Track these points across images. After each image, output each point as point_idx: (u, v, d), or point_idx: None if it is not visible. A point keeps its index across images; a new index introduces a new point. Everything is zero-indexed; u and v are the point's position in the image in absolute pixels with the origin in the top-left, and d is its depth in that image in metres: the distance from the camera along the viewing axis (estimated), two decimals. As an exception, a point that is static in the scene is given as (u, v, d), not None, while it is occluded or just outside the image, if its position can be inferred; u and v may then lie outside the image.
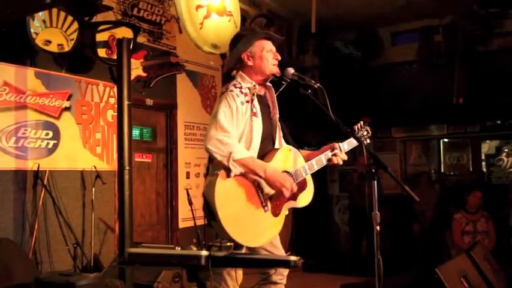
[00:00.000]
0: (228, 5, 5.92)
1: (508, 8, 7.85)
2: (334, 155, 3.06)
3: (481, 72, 7.90)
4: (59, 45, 4.82)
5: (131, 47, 4.71)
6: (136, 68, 5.78)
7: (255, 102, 2.95)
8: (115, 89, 5.38)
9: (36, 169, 4.79)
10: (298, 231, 7.99)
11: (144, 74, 5.95)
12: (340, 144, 3.13)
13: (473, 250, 5.15)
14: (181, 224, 6.48)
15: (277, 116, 3.12)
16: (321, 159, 3.04)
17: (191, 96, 6.84)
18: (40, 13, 4.65)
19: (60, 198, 5.05)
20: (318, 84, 2.95)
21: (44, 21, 4.72)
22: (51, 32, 4.76)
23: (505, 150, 8.53)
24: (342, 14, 8.22)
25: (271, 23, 7.77)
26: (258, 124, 2.92)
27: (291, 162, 3.01)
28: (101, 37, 5.21)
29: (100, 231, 5.45)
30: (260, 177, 2.79)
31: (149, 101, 6.17)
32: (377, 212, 2.61)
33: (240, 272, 2.95)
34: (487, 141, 8.72)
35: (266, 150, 2.97)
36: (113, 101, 5.59)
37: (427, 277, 4.61)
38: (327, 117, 2.89)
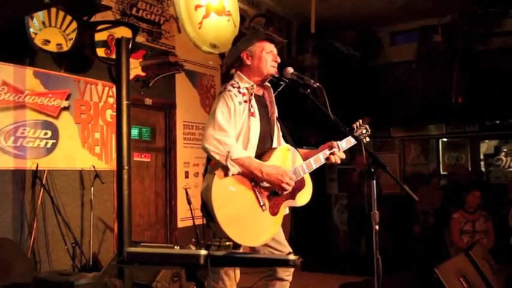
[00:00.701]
0: (227, 4, 5.91)
1: (507, 7, 7.85)
2: (332, 153, 3.05)
3: (480, 71, 7.90)
4: (57, 44, 4.81)
5: (130, 46, 4.71)
6: (135, 68, 5.78)
7: (253, 102, 2.95)
8: (114, 89, 5.38)
9: (35, 169, 4.79)
10: (297, 231, 7.99)
11: (143, 74, 5.94)
12: (338, 142, 3.12)
13: (472, 250, 5.14)
14: (180, 224, 6.48)
15: (276, 115, 3.12)
16: (319, 158, 3.03)
17: (190, 95, 6.84)
18: (39, 13, 4.65)
19: (59, 198, 5.04)
20: (317, 84, 2.94)
21: (42, 21, 4.72)
22: (50, 32, 4.76)
23: (504, 149, 8.54)
24: (341, 14, 8.23)
25: (270, 23, 7.77)
26: (255, 124, 2.92)
27: (289, 161, 3.00)
28: (99, 37, 5.21)
29: (99, 230, 5.44)
30: (257, 177, 2.79)
31: (148, 101, 6.17)
32: (376, 212, 2.60)
33: (237, 272, 2.95)
34: (486, 141, 8.73)
35: (264, 150, 2.97)
36: (111, 100, 5.59)
37: (426, 277, 4.60)
38: (326, 116, 2.89)
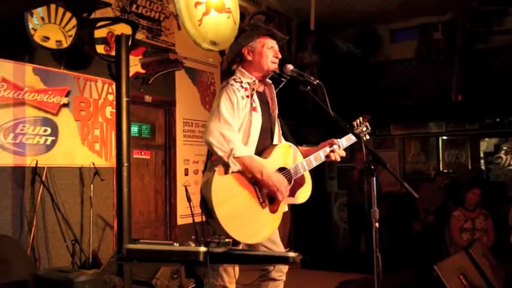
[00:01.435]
0: (227, 1, 5.89)
1: (508, 5, 7.83)
2: (332, 151, 3.05)
3: (480, 69, 7.90)
4: (57, 41, 4.80)
5: (130, 43, 4.70)
6: (135, 65, 5.77)
7: (255, 97, 2.95)
8: (113, 86, 5.37)
9: (34, 165, 4.78)
10: (297, 228, 8.00)
11: (142, 71, 5.94)
12: (338, 140, 3.12)
13: (471, 247, 5.15)
14: (180, 221, 6.48)
15: (277, 112, 3.12)
16: (319, 156, 3.04)
17: (190, 93, 6.83)
18: (38, 9, 4.64)
19: (58, 195, 5.04)
20: (317, 81, 2.94)
21: (42, 18, 4.71)
22: (50, 28, 4.75)
23: (504, 148, 8.54)
24: (341, 11, 8.22)
25: (270, 20, 7.75)
26: (257, 119, 2.92)
27: (290, 158, 3.01)
28: (99, 33, 5.20)
29: (98, 227, 5.44)
30: (256, 178, 2.78)
31: (148, 98, 6.16)
32: (376, 209, 2.60)
33: (236, 269, 2.94)
34: (486, 139, 8.73)
35: (265, 146, 2.97)
36: (111, 97, 5.58)
37: (425, 274, 4.61)
38: (326, 114, 2.89)
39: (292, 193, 2.97)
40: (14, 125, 4.74)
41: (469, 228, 6.36)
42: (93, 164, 5.24)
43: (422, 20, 8.56)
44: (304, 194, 3.04)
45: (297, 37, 8.92)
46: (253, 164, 2.76)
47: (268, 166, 2.84)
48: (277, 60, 3.01)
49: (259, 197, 2.82)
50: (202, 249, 2.06)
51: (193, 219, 5.13)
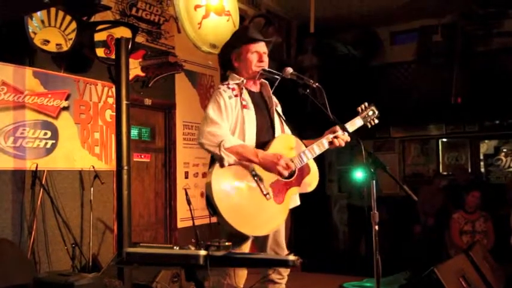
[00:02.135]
0: (226, 4, 5.91)
1: (507, 7, 7.84)
2: (336, 137, 3.05)
3: (480, 72, 7.89)
4: (57, 44, 4.81)
5: (130, 46, 4.71)
6: (135, 68, 5.77)
7: (245, 96, 2.99)
8: (113, 89, 5.37)
9: (34, 169, 4.78)
10: (297, 231, 7.99)
11: (142, 74, 5.94)
12: (341, 125, 3.10)
13: (471, 250, 5.15)
14: (180, 224, 6.48)
15: (277, 109, 3.14)
16: (322, 143, 3.03)
17: (190, 96, 6.84)
18: (38, 13, 4.64)
19: (58, 198, 5.04)
20: (317, 84, 2.95)
21: (42, 21, 4.72)
22: (50, 32, 4.76)
23: (504, 150, 8.53)
24: (340, 14, 8.22)
25: (269, 23, 7.76)
26: (250, 116, 2.95)
27: (291, 148, 3.01)
28: (99, 37, 5.20)
29: (98, 231, 5.44)
30: (253, 162, 2.81)
31: (148, 101, 6.17)
32: (376, 212, 2.60)
33: (244, 271, 2.96)
34: (486, 141, 8.72)
35: (265, 142, 2.98)
36: (111, 100, 5.58)
37: (425, 277, 4.61)
38: (326, 116, 2.90)
39: (298, 183, 2.97)
40: (14, 129, 4.74)
41: (469, 230, 6.35)
42: (93, 167, 5.24)
43: (422, 22, 8.57)
44: (310, 182, 3.04)
45: (296, 40, 8.93)
46: (247, 150, 2.82)
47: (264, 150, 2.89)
48: (262, 63, 3.03)
49: (262, 188, 2.83)
50: (202, 252, 2.06)
51: (193, 222, 5.13)
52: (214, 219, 2.86)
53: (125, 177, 4.37)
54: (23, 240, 4.72)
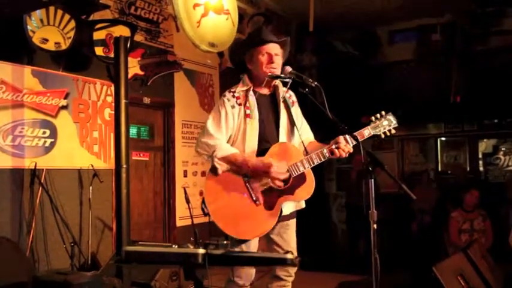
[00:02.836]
0: (225, 3, 5.90)
1: (506, 6, 7.85)
2: (338, 147, 3.03)
3: (479, 71, 7.90)
4: (56, 43, 4.81)
5: (128, 45, 4.70)
6: (134, 67, 5.77)
7: (252, 103, 3.01)
8: (112, 88, 5.37)
9: (33, 168, 4.79)
10: (296, 230, 7.98)
11: (141, 73, 5.94)
12: (346, 136, 3.08)
13: (470, 248, 5.15)
14: (179, 223, 6.48)
15: (291, 110, 3.14)
16: (322, 153, 3.01)
17: (188, 94, 6.84)
18: (37, 11, 4.64)
19: (57, 197, 5.04)
20: (316, 83, 2.94)
21: (41, 20, 4.71)
22: (49, 30, 4.76)
23: (502, 149, 8.54)
24: (340, 13, 8.21)
25: (269, 22, 7.75)
26: (252, 125, 2.98)
27: (283, 157, 3.00)
28: (98, 35, 5.20)
29: (97, 229, 5.44)
30: (246, 170, 2.89)
31: (146, 100, 6.17)
32: (374, 210, 2.61)
33: (252, 270, 3.00)
34: (485, 140, 8.73)
35: (266, 149, 3.00)
36: (110, 99, 5.58)
37: (424, 275, 4.61)
38: (325, 115, 2.89)
39: (291, 191, 2.98)
40: (13, 127, 4.74)
41: (468, 229, 6.35)
42: (92, 166, 5.24)
43: (421, 21, 8.57)
44: (304, 192, 3.02)
45: (295, 39, 8.92)
46: (238, 159, 2.91)
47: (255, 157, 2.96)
48: (272, 65, 3.01)
49: (252, 194, 2.91)
50: (201, 251, 2.06)
51: (192, 221, 5.13)
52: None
53: (123, 176, 4.36)
54: (22, 238, 4.72)
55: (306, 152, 3.07)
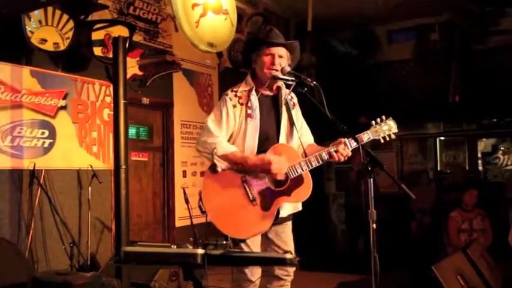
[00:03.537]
0: (224, 3, 5.90)
1: (504, 6, 7.85)
2: (336, 150, 3.03)
3: (477, 70, 7.91)
4: (54, 43, 4.80)
5: (127, 45, 4.70)
6: (133, 67, 5.77)
7: (254, 103, 3.01)
8: (111, 88, 5.36)
9: (32, 168, 4.78)
10: (295, 230, 7.98)
11: (140, 73, 5.93)
12: (346, 140, 3.07)
13: (469, 248, 5.15)
14: (178, 223, 6.48)
15: (292, 112, 3.14)
16: (321, 156, 3.01)
17: (187, 94, 6.83)
18: (36, 12, 4.64)
19: (56, 198, 5.04)
20: (314, 82, 2.94)
21: (39, 20, 4.71)
22: (47, 31, 4.75)
23: (501, 148, 8.55)
24: (338, 12, 8.22)
25: (267, 22, 7.76)
26: (253, 125, 2.99)
27: (282, 158, 3.00)
28: (96, 36, 5.20)
29: (97, 230, 5.44)
30: (245, 167, 2.89)
31: (145, 100, 6.16)
32: (373, 210, 2.60)
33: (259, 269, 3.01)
34: (484, 140, 8.74)
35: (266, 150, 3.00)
36: (109, 99, 5.58)
37: (423, 275, 4.61)
38: (323, 115, 2.89)
39: (288, 193, 2.98)
40: (12, 128, 4.73)
41: (467, 229, 6.35)
42: (91, 167, 5.24)
43: (420, 21, 8.58)
44: (301, 194, 3.02)
45: (294, 39, 8.91)
46: (237, 156, 2.91)
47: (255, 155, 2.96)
48: (274, 67, 3.00)
49: (249, 194, 2.91)
50: (200, 251, 2.06)
51: (192, 221, 5.13)
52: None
53: (122, 176, 4.37)
54: (21, 239, 4.71)
55: (305, 155, 3.08)
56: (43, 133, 4.99)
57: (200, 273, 2.09)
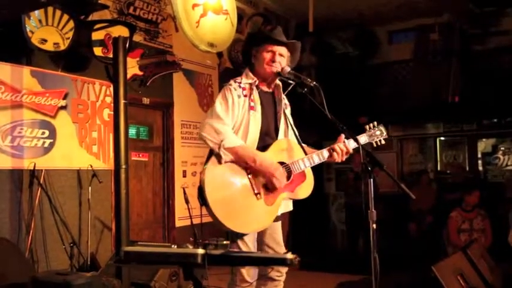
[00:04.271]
0: (224, 3, 5.90)
1: (504, 6, 7.86)
2: (334, 150, 3.04)
3: (477, 70, 7.91)
4: (54, 43, 4.81)
5: (127, 45, 4.70)
6: (133, 67, 5.77)
7: (255, 97, 3.01)
8: (111, 88, 5.36)
9: (32, 168, 4.78)
10: (295, 230, 8.00)
11: (140, 73, 5.94)
12: (345, 140, 3.10)
13: (469, 248, 5.15)
14: (178, 223, 6.48)
15: (285, 112, 3.15)
16: (322, 153, 3.04)
17: (188, 94, 6.84)
18: (36, 12, 4.64)
19: (56, 197, 5.04)
20: (314, 83, 2.95)
21: (39, 20, 4.71)
22: (47, 31, 4.76)
23: (501, 148, 8.55)
24: (339, 13, 8.23)
25: (268, 22, 7.76)
26: (255, 118, 2.97)
27: (288, 153, 3.01)
28: (97, 36, 5.21)
29: (97, 230, 5.44)
30: (250, 166, 2.83)
31: (146, 100, 6.17)
32: (373, 210, 2.61)
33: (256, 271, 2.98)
34: (484, 140, 8.74)
35: (266, 144, 3.00)
36: (109, 99, 5.58)
37: (423, 275, 4.61)
38: (324, 115, 2.89)
39: (291, 188, 2.98)
40: (12, 128, 4.73)
41: (467, 229, 6.36)
42: (91, 167, 5.24)
43: (420, 21, 8.59)
44: (304, 191, 3.04)
45: (294, 39, 8.92)
46: (246, 153, 2.84)
47: (263, 155, 2.89)
48: (273, 64, 3.02)
49: (254, 187, 2.86)
50: (200, 251, 2.06)
51: (192, 221, 5.13)
52: (211, 219, 2.86)
53: (122, 176, 4.36)
54: (21, 239, 4.72)
55: (305, 152, 3.09)
56: (43, 133, 4.99)
57: (200, 273, 2.09)
